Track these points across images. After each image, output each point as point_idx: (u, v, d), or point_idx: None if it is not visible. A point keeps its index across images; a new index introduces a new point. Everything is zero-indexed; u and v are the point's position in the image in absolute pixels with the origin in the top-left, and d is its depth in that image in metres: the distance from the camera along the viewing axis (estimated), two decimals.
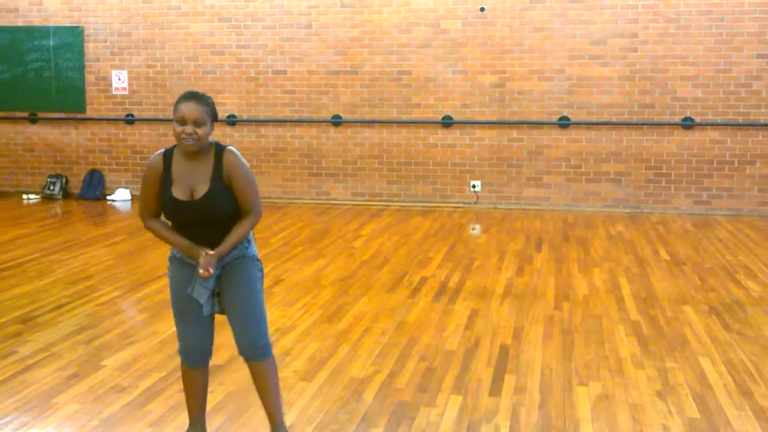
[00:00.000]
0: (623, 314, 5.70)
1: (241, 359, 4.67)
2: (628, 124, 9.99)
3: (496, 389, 4.31)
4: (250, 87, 10.84)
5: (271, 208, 10.27)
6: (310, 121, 10.74)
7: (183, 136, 3.27)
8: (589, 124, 10.08)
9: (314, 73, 10.65)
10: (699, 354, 4.87)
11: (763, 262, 7.33)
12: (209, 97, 3.39)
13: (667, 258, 7.51)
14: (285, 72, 10.72)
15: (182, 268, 3.44)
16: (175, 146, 3.40)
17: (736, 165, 9.84)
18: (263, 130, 10.88)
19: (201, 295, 3.39)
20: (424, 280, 6.64)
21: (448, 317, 5.63)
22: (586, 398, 4.20)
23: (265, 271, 6.89)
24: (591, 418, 3.96)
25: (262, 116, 10.83)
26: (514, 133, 10.30)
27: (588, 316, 5.65)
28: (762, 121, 9.70)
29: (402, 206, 10.48)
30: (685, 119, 9.84)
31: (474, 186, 10.43)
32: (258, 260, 3.55)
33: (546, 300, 6.08)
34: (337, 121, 10.65)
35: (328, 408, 4.06)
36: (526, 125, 10.23)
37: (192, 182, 3.34)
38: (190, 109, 3.26)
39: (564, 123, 10.10)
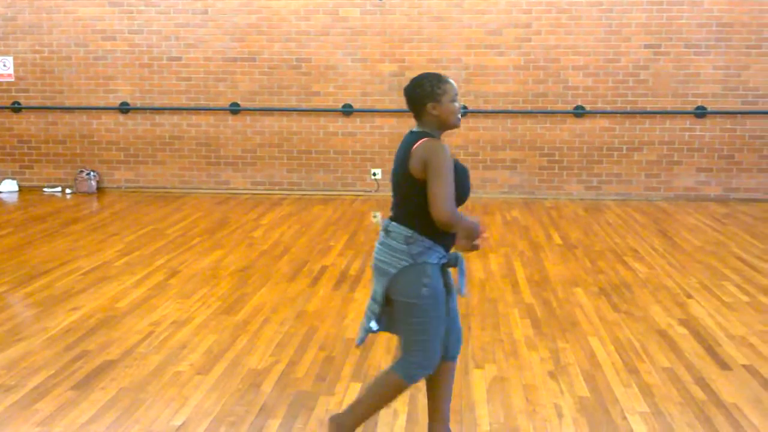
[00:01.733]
0: (518, 297, 5.85)
1: (134, 354, 4.59)
2: (522, 113, 10.23)
3: None
4: (143, 74, 10.52)
5: (167, 199, 10.04)
6: (207, 109, 10.52)
7: (459, 113, 3.32)
8: (486, 113, 10.27)
9: (211, 59, 10.44)
10: (589, 334, 5.06)
11: (649, 244, 7.65)
12: None
13: (560, 242, 7.74)
14: (180, 58, 10.46)
15: (442, 274, 3.21)
16: (430, 132, 3.35)
17: (624, 151, 10.23)
18: (158, 118, 10.59)
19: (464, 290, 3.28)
20: (324, 269, 6.63)
21: (348, 305, 5.64)
22: (481, 381, 4.29)
23: (161, 262, 6.82)
24: (486, 399, 4.05)
25: (157, 104, 10.54)
26: (413, 122, 10.35)
27: (484, 300, 5.77)
28: (649, 109, 10.11)
29: (303, 195, 10.43)
30: (577, 108, 10.16)
31: (374, 174, 10.47)
32: None
33: None
34: (235, 109, 10.49)
35: (225, 400, 4.01)
36: None
37: None
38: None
39: (462, 111, 10.23)
